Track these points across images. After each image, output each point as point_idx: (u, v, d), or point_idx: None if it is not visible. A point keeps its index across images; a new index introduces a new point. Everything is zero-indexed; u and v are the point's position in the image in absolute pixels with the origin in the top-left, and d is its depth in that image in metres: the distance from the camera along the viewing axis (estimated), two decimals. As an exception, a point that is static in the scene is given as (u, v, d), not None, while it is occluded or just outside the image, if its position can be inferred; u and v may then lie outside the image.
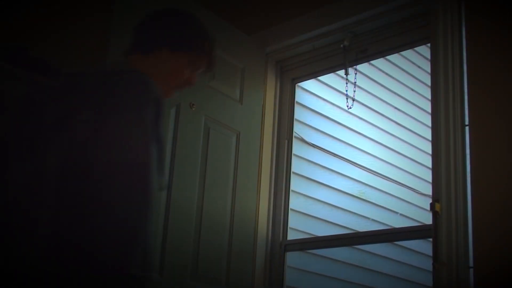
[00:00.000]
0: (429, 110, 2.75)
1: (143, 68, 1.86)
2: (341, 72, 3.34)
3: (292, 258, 3.52)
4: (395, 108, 4.83)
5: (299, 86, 3.58)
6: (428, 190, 3.67)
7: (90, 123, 1.65)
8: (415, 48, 4.20)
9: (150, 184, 1.62)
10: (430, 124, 2.72)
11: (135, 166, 1.60)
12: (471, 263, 2.46)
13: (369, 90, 4.56)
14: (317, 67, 3.41)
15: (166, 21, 2.04)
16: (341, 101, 3.90)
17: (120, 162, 1.59)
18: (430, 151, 2.70)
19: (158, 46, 1.95)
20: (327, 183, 4.18)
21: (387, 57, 4.13)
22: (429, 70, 2.80)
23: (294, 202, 3.51)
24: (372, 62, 4.02)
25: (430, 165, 2.69)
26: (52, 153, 1.69)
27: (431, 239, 2.52)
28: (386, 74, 4.73)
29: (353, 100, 3.43)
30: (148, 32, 2.00)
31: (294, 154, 3.45)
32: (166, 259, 2.72)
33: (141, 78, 1.74)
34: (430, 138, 2.72)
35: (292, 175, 3.36)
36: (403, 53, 4.52)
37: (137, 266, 1.56)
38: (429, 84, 2.78)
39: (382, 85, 4.70)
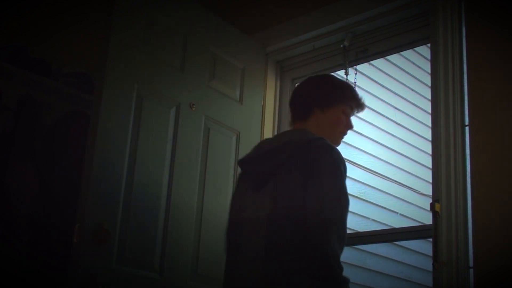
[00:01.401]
0: (429, 110, 2.75)
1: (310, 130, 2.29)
2: (341, 72, 3.34)
3: (292, 258, 3.51)
4: (395, 108, 4.83)
5: (299, 86, 3.58)
6: (428, 190, 3.67)
7: (297, 180, 2.12)
8: (415, 48, 4.20)
9: (345, 228, 2.16)
10: (430, 124, 2.72)
11: (338, 216, 2.11)
12: (471, 263, 2.46)
13: (369, 90, 4.56)
14: (317, 67, 3.41)
15: (308, 87, 2.45)
16: (341, 101, 3.89)
17: (328, 213, 2.08)
18: (430, 151, 2.70)
19: (310, 110, 2.35)
20: (327, 183, 4.16)
21: (387, 57, 4.13)
22: (429, 70, 2.80)
23: (294, 202, 3.50)
24: (372, 62, 4.01)
25: (430, 165, 2.69)
26: (264, 200, 2.18)
27: (431, 239, 2.52)
28: (386, 74, 4.73)
29: (353, 100, 3.42)
30: (298, 102, 2.41)
31: (294, 154, 3.45)
32: (166, 259, 2.72)
33: (328, 144, 2.19)
34: (430, 138, 2.72)
35: (292, 175, 3.35)
36: (403, 53, 4.51)
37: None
38: (429, 84, 2.78)
39: (382, 85, 4.70)
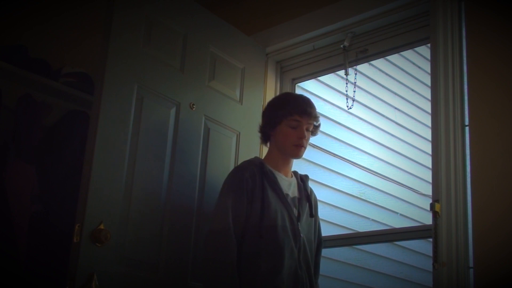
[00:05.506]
0: (429, 110, 2.74)
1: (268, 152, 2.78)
2: (341, 72, 3.34)
3: (292, 258, 3.50)
4: (395, 108, 4.82)
5: (299, 86, 3.58)
6: (428, 190, 3.66)
7: None
8: (415, 48, 4.19)
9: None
10: (430, 124, 2.72)
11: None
12: (471, 263, 2.46)
13: (369, 90, 4.55)
14: (317, 67, 3.41)
15: (262, 114, 2.85)
16: (341, 101, 3.89)
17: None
18: (430, 151, 2.70)
19: (266, 135, 2.77)
20: (327, 183, 4.17)
21: (387, 57, 4.12)
22: (429, 70, 2.80)
23: (294, 202, 3.49)
24: (372, 62, 4.01)
25: (430, 165, 2.69)
26: None
27: (431, 239, 2.52)
28: (386, 74, 4.73)
29: (353, 100, 3.42)
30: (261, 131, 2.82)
31: (294, 154, 3.44)
32: (166, 259, 2.72)
33: (231, 172, 2.72)
34: (430, 138, 2.71)
35: (292, 175, 3.34)
36: (403, 53, 4.50)
37: None
38: (429, 84, 2.78)
39: (382, 85, 4.69)
